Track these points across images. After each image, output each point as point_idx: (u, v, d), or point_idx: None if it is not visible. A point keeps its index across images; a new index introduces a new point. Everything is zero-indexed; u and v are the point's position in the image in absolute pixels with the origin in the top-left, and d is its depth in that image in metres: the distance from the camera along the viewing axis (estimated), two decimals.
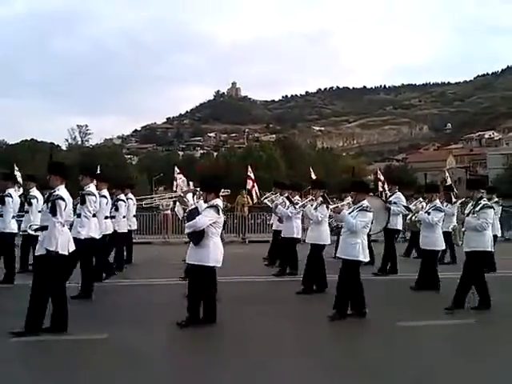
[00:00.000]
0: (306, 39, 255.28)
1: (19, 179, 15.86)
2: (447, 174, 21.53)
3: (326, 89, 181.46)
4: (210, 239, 6.27)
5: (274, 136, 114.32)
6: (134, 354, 5.39)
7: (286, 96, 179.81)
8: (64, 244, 6.01)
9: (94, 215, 8.19)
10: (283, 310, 7.29)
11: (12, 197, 9.33)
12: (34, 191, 9.80)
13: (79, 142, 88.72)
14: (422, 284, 8.62)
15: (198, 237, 6.25)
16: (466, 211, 7.53)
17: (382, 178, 19.95)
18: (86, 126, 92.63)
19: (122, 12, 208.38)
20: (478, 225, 7.14)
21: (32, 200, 9.53)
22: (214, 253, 6.29)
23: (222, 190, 9.81)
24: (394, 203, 10.50)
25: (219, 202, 6.46)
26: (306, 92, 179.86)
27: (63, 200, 5.89)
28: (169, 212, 17.55)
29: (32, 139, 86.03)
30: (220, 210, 6.35)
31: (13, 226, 9.34)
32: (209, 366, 5.14)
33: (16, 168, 17.66)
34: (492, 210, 7.44)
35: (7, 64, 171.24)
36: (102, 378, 4.81)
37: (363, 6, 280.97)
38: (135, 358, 5.27)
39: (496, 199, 11.13)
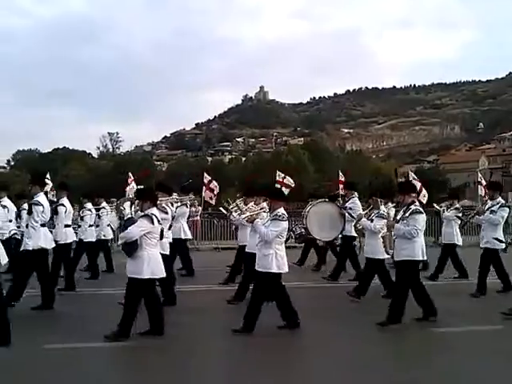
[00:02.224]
0: (333, 40, 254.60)
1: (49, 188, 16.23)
2: (480, 175, 21.03)
3: (354, 90, 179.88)
4: (144, 250, 6.05)
5: (301, 139, 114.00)
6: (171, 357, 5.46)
7: (314, 98, 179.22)
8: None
9: (44, 225, 7.94)
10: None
11: (65, 206, 9.33)
12: (64, 200, 9.57)
13: (110, 150, 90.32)
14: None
15: (131, 248, 6.04)
16: (398, 217, 7.13)
17: (414, 179, 19.71)
18: (117, 133, 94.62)
19: (149, 21, 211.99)
20: (407, 231, 6.72)
21: (37, 208, 9.21)
22: (148, 265, 6.05)
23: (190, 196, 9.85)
24: (350, 209, 10.21)
25: (155, 210, 6.28)
26: (335, 93, 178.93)
27: (41, 205, 6.52)
28: (198, 218, 17.67)
29: (64, 147, 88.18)
30: (155, 220, 6.11)
31: (68, 236, 9.38)
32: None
33: (48, 177, 18.09)
34: (423, 215, 6.94)
35: (38, 74, 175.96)
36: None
37: (390, 4, 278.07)
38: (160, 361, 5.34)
39: (457, 205, 10.83)
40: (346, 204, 10.43)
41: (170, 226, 8.57)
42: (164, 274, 6.36)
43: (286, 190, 17.88)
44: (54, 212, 9.45)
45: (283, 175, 18.74)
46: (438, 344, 6.11)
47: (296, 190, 16.94)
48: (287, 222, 6.58)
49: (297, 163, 59.05)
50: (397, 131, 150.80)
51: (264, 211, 7.16)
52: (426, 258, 7.13)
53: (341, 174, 17.99)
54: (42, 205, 7.77)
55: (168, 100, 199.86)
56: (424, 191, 16.84)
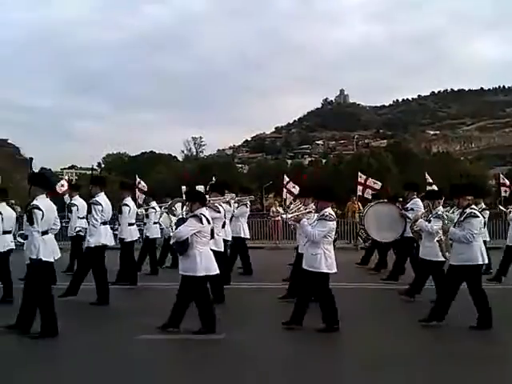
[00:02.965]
0: (415, 42, 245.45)
1: (144, 189, 17.01)
2: None
3: (439, 91, 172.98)
4: (195, 249, 6.21)
5: (384, 141, 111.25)
6: (249, 354, 5.58)
7: (397, 100, 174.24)
8: (47, 251, 6.19)
9: (105, 223, 8.32)
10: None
11: (129, 206, 9.82)
12: (128, 200, 10.00)
13: (194, 153, 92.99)
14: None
15: (182, 247, 6.22)
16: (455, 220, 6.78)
17: (506, 182, 18.72)
18: (201, 137, 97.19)
19: (231, 27, 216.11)
20: (462, 236, 6.47)
21: (96, 207, 8.59)
22: (201, 262, 6.20)
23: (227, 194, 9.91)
24: (411, 209, 9.68)
25: (204, 210, 6.41)
26: (419, 95, 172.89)
27: (39, 209, 6.08)
28: (279, 218, 17.77)
29: (151, 151, 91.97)
30: (204, 219, 6.25)
31: (132, 234, 9.91)
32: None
33: (138, 179, 18.97)
34: (479, 219, 6.60)
35: (127, 83, 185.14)
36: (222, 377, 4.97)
37: (475, 5, 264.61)
38: (250, 358, 5.44)
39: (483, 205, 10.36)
40: (407, 205, 10.04)
41: (224, 225, 8.69)
42: (217, 271, 6.46)
43: (369, 192, 17.59)
44: (119, 211, 9.92)
45: (365, 177, 18.43)
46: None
47: (382, 193, 16.51)
48: (334, 222, 6.51)
49: (379, 165, 57.69)
50: (486, 133, 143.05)
51: (312, 211, 7.06)
52: (486, 262, 6.82)
53: (427, 176, 17.38)
54: (101, 204, 8.15)
55: (248, 105, 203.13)
56: None
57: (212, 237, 6.58)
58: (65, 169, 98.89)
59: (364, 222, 10.74)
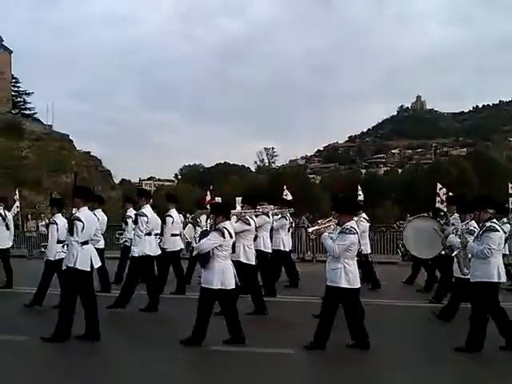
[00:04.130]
0: (494, 45, 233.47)
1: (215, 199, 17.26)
2: None
3: None
4: (215, 262, 6.31)
5: (464, 150, 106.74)
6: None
7: (477, 106, 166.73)
8: (84, 260, 6.47)
9: (149, 234, 8.53)
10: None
11: (173, 217, 10.09)
12: (172, 211, 10.22)
13: (267, 164, 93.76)
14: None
15: (204, 259, 6.36)
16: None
17: None
18: (273, 148, 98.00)
19: (300, 36, 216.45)
20: (480, 251, 6.11)
21: (142, 218, 8.83)
22: (218, 276, 6.28)
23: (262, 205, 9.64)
24: (453, 225, 8.89)
25: (227, 224, 6.50)
26: (500, 101, 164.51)
27: (80, 221, 6.45)
28: None
29: (225, 162, 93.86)
30: (226, 233, 6.32)
31: (175, 244, 10.11)
32: None
33: (211, 188, 19.31)
34: (499, 233, 6.16)
35: (202, 96, 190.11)
36: None
37: None
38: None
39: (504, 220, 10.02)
40: (450, 219, 9.36)
41: (256, 237, 8.68)
42: (233, 286, 6.47)
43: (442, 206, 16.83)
44: (163, 222, 10.16)
45: (441, 187, 17.66)
46: None
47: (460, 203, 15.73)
48: (356, 235, 6.26)
49: (459, 175, 55.39)
50: None
51: (334, 224, 6.82)
52: (503, 280, 6.28)
53: (511, 186, 16.40)
54: (146, 215, 8.47)
55: (320, 114, 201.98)
56: None
57: (233, 251, 6.69)
58: (144, 180, 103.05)
59: (403, 237, 10.46)
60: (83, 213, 6.63)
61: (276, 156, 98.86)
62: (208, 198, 16.23)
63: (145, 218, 8.44)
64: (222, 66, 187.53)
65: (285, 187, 18.70)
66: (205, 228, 7.05)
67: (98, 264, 6.86)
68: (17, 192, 20.47)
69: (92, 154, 68.96)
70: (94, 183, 55.22)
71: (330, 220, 7.04)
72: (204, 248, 6.34)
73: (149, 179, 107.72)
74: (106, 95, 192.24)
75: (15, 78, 72.32)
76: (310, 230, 7.71)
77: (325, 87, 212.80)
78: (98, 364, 5.87)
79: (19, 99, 73.93)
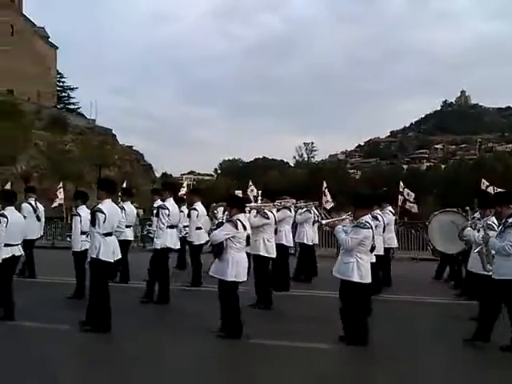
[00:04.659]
0: None
1: (255, 193, 17.29)
2: None
3: None
4: (228, 254, 6.37)
5: (510, 146, 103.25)
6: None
7: None
8: (107, 252, 6.55)
9: (172, 227, 8.65)
10: None
11: (197, 210, 10.18)
12: (197, 204, 10.29)
13: (306, 159, 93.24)
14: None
15: (218, 250, 6.42)
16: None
17: None
18: (312, 143, 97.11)
19: (339, 31, 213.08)
20: (501, 247, 5.93)
21: (163, 211, 8.77)
22: (232, 267, 6.34)
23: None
24: (478, 219, 8.30)
25: (241, 216, 6.56)
26: None
27: (102, 213, 6.51)
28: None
29: (264, 157, 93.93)
30: (239, 225, 6.38)
31: (199, 237, 10.16)
32: None
33: (251, 183, 19.34)
34: None
35: (240, 92, 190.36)
36: None
37: None
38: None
39: None
40: (475, 215, 8.99)
41: (276, 231, 8.68)
42: (245, 279, 6.53)
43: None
44: (188, 215, 10.38)
45: (488, 184, 17.15)
46: None
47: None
48: (370, 230, 6.20)
49: (505, 170, 53.69)
50: None
51: (349, 218, 6.77)
52: None
53: None
54: (168, 208, 8.52)
55: (361, 108, 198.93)
56: None
57: (248, 243, 6.69)
58: (184, 174, 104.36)
59: (428, 231, 10.35)
60: (106, 205, 6.71)
61: (315, 151, 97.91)
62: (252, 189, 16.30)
63: (166, 211, 8.49)
64: (260, 62, 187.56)
65: (324, 182, 18.60)
66: (220, 220, 7.08)
67: (117, 256, 6.92)
68: (61, 184, 20.94)
69: (134, 148, 70.40)
70: (136, 177, 56.36)
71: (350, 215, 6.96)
72: (217, 239, 6.41)
73: (189, 173, 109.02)
74: (147, 91, 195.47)
75: (60, 74, 74.71)
76: (323, 222, 7.76)
77: (366, 82, 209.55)
78: (137, 351, 5.96)
79: (64, 94, 76.14)
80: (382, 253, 8.60)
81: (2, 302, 7.03)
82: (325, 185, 18.35)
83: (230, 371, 5.49)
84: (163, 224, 8.47)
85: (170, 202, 8.75)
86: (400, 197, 17.87)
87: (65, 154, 54.72)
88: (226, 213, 7.28)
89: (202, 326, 6.75)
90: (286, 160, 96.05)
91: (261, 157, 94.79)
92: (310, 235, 11.03)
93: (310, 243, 11.16)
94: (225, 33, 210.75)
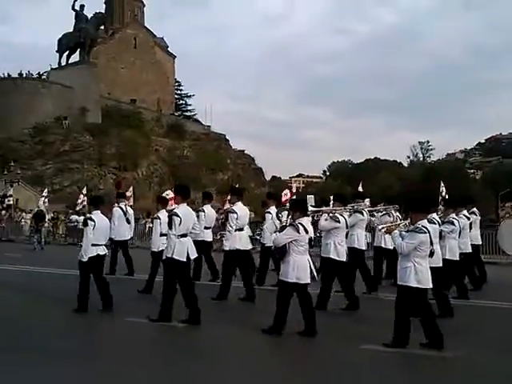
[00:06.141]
0: None
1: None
2: None
3: None
4: (290, 256, 6.54)
5: None
6: None
7: None
8: (181, 251, 7.03)
9: (241, 229, 9.04)
10: None
11: (271, 213, 10.46)
12: (271, 208, 10.59)
13: (421, 159, 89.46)
14: None
15: (281, 253, 6.62)
16: None
17: None
18: (428, 142, 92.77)
19: (459, 20, 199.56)
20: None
21: (232, 215, 9.26)
22: (293, 270, 6.51)
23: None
24: None
25: (304, 220, 6.69)
26: None
27: (178, 216, 7.03)
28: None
29: (375, 158, 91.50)
30: (301, 229, 6.50)
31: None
32: None
33: (361, 185, 19.06)
34: None
35: (354, 89, 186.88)
36: None
37: None
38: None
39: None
40: None
41: (347, 235, 8.71)
42: (308, 281, 6.64)
43: None
44: (262, 218, 10.98)
45: None
46: None
47: None
48: (427, 234, 6.11)
49: None
50: None
51: (407, 223, 6.64)
52: None
53: None
54: (236, 212, 8.97)
55: (482, 104, 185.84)
56: None
57: (310, 246, 6.80)
58: (293, 177, 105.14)
59: (497, 235, 10.43)
60: (181, 209, 7.27)
61: (431, 150, 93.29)
62: (288, 195, 16.05)
63: (234, 215, 8.96)
64: (375, 58, 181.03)
65: (442, 183, 17.81)
66: (284, 223, 7.26)
67: (193, 255, 7.40)
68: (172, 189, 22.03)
69: (246, 152, 72.30)
70: (248, 180, 57.88)
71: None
72: (279, 242, 6.65)
73: (297, 176, 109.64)
74: (262, 93, 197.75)
75: (178, 82, 78.83)
76: (379, 227, 7.77)
77: (486, 73, 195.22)
78: (203, 344, 6.51)
79: (181, 102, 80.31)
80: (457, 258, 8.60)
81: (101, 295, 7.99)
82: (442, 186, 17.55)
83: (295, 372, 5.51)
84: (231, 227, 8.97)
85: (239, 206, 9.23)
86: None
87: (182, 160, 57.77)
88: (290, 216, 7.41)
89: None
90: (399, 160, 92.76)
91: (372, 157, 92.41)
92: (362, 239, 9.96)
93: (363, 248, 10.06)
94: (339, 29, 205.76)
